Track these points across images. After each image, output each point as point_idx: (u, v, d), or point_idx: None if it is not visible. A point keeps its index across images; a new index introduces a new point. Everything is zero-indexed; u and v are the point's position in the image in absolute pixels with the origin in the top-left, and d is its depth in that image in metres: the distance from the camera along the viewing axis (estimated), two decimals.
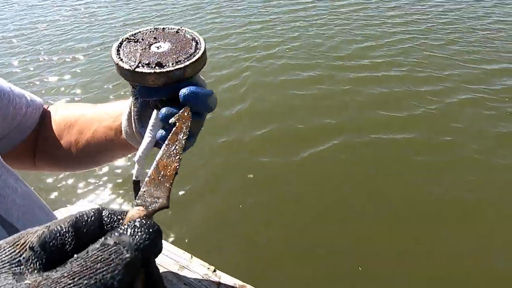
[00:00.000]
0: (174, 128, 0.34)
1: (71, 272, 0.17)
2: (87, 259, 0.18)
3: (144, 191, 0.28)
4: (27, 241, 0.20)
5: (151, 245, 0.20)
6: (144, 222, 0.21)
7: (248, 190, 2.40)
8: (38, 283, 0.17)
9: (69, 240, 0.21)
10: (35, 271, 0.19)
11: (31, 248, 0.20)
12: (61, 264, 0.20)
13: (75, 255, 0.19)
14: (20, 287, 0.17)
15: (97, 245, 0.19)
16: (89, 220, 0.23)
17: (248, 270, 1.83)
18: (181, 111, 0.36)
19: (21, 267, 0.19)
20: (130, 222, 0.22)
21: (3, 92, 0.51)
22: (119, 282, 0.18)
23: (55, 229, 0.21)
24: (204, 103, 0.38)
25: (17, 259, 0.19)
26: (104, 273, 0.17)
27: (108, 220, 0.24)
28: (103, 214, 0.24)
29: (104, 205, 2.25)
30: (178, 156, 0.32)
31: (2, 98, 0.51)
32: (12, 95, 0.53)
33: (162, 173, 0.30)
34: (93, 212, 0.23)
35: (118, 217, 0.24)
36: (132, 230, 0.20)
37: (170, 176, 0.30)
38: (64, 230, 0.22)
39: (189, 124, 0.35)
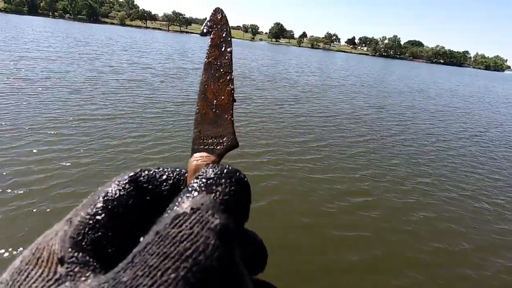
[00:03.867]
0: (210, 40, 0.26)
1: (147, 268, 0.12)
2: (161, 243, 0.13)
3: (199, 132, 0.22)
4: (52, 251, 0.17)
5: (242, 199, 0.15)
6: (220, 169, 0.16)
7: None
8: None
9: (106, 228, 0.17)
10: (88, 278, 0.15)
11: (61, 261, 0.16)
12: (118, 249, 0.15)
13: (142, 240, 0.14)
14: None
15: (167, 219, 0.14)
16: (122, 195, 0.19)
17: None
18: (211, 14, 0.27)
19: (66, 283, 0.15)
20: (198, 174, 0.16)
21: None
22: (220, 261, 0.13)
23: (80, 221, 0.17)
24: None
25: (53, 279, 0.15)
26: (194, 255, 0.12)
27: (153, 184, 0.19)
28: (140, 179, 0.20)
29: None
30: (228, 75, 0.24)
31: None
32: None
33: (215, 103, 0.23)
34: (124, 182, 0.19)
35: (170, 175, 0.20)
36: (206, 184, 0.15)
37: (228, 104, 0.23)
38: (93, 221, 0.18)
39: (229, 28, 0.26)
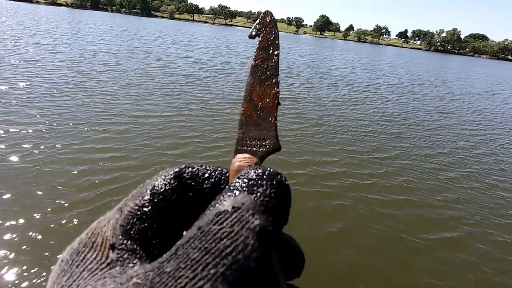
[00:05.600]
0: (258, 43, 0.25)
1: (190, 261, 0.13)
2: (203, 238, 0.14)
3: (243, 133, 0.23)
4: (105, 237, 0.18)
5: (282, 202, 0.15)
6: (262, 171, 0.16)
7: None
8: (149, 280, 0.13)
9: (152, 219, 0.18)
10: (135, 265, 0.16)
11: (112, 246, 0.17)
12: (160, 240, 0.17)
13: (185, 233, 0.15)
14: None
15: (209, 216, 0.15)
16: (167, 189, 0.20)
17: None
18: (260, 17, 0.26)
19: (116, 268, 0.16)
20: (240, 175, 0.16)
21: None
22: (258, 263, 0.13)
23: (129, 211, 0.19)
24: None
25: (105, 263, 0.17)
26: (234, 254, 0.13)
27: (196, 181, 0.20)
28: (184, 175, 0.20)
29: None
30: (274, 78, 0.24)
31: None
32: None
33: (259, 106, 0.23)
34: (170, 177, 0.20)
35: (212, 173, 0.21)
36: (248, 185, 0.15)
37: (272, 107, 0.23)
38: (140, 212, 0.19)
39: (277, 31, 0.25)
